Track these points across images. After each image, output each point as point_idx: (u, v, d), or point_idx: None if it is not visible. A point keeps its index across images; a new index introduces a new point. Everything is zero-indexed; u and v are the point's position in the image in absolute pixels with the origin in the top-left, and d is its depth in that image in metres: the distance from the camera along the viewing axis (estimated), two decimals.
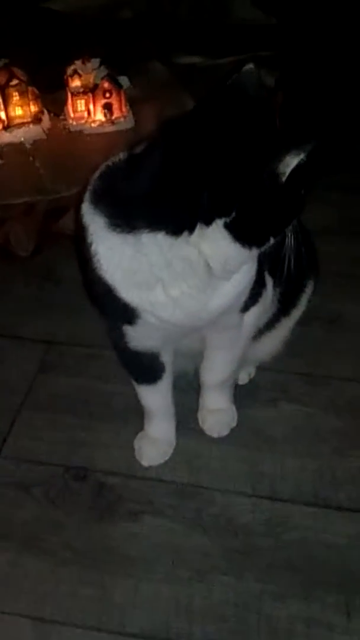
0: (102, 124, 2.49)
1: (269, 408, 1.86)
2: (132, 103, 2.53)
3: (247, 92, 1.33)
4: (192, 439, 1.79)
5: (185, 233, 1.29)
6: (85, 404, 1.87)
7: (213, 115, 1.31)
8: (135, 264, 1.34)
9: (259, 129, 1.29)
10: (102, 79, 2.43)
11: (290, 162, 1.24)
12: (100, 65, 2.50)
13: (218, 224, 1.28)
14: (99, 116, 2.48)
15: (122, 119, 2.50)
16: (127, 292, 1.39)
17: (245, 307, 1.55)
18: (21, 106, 2.45)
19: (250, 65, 1.34)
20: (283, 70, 2.64)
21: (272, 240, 1.35)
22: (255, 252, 1.34)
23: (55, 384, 1.93)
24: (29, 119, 2.47)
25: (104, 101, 2.46)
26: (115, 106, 2.47)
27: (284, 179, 1.25)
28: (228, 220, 1.27)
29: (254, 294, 1.54)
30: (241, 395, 1.85)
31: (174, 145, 1.30)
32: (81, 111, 2.49)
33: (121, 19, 3.08)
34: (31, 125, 2.48)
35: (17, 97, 2.43)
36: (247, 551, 1.59)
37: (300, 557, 1.57)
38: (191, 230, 1.28)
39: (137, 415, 1.76)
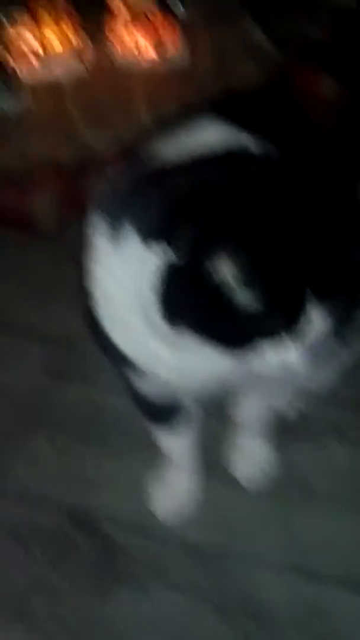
0: (150, 59, 2.11)
1: (316, 451, 1.53)
2: (188, 32, 2.14)
3: None
4: (218, 485, 1.49)
5: (149, 240, 0.95)
6: (100, 426, 1.59)
7: None
8: (118, 287, 1.02)
9: None
10: (152, 7, 2.04)
11: (222, 265, 0.89)
12: None
13: (164, 253, 0.94)
14: (147, 50, 2.10)
15: (174, 53, 2.12)
16: (117, 337, 1.08)
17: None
18: (58, 36, 2.09)
19: None
20: None
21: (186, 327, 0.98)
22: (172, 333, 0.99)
23: (67, 396, 1.65)
24: (68, 52, 2.11)
25: (153, 33, 2.07)
26: (166, 38, 2.09)
27: (210, 270, 0.90)
28: (173, 254, 0.93)
29: None
30: (284, 430, 1.53)
31: None
32: (127, 43, 2.12)
33: None
34: (70, 59, 2.12)
35: (54, 27, 2.07)
36: None
37: None
38: (153, 242, 0.95)
39: (158, 448, 1.47)
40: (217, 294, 0.90)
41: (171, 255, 0.92)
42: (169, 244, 0.92)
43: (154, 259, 0.94)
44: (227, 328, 0.94)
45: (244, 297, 0.89)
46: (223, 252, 0.88)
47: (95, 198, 1.10)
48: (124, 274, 1.00)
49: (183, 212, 0.92)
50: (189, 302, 0.94)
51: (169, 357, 1.02)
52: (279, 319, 0.93)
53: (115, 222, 1.00)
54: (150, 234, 0.95)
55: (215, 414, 1.52)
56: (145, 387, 1.25)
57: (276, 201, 0.92)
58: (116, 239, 1.00)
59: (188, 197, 0.93)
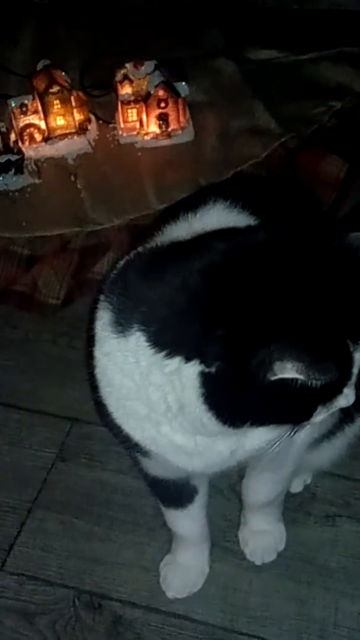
0: (156, 137, 2.16)
1: (325, 527, 1.53)
2: (193, 110, 2.19)
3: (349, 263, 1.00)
4: (230, 564, 1.48)
5: (165, 351, 0.94)
6: (107, 506, 1.58)
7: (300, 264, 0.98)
8: (126, 380, 1.01)
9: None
10: (157, 86, 2.10)
11: (284, 369, 0.90)
12: (154, 70, 2.16)
13: (194, 367, 0.93)
14: (153, 128, 2.15)
15: (179, 131, 2.17)
16: (123, 421, 1.08)
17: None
18: (63, 115, 2.14)
19: None
20: None
21: (250, 425, 0.98)
22: (231, 430, 0.98)
23: (75, 476, 1.63)
24: (73, 130, 2.16)
25: (158, 111, 2.12)
26: (171, 117, 2.14)
27: (271, 378, 0.91)
28: (205, 369, 0.93)
29: None
30: (293, 507, 1.53)
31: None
32: (132, 122, 2.17)
33: (188, 1, 2.70)
34: (75, 137, 2.17)
35: (59, 106, 2.12)
36: None
37: None
38: (171, 353, 0.94)
39: (167, 525, 1.46)
40: (275, 387, 0.91)
41: (200, 364, 0.92)
42: (197, 354, 0.92)
43: (187, 371, 0.93)
44: (293, 409, 0.97)
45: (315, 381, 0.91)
46: (279, 353, 0.89)
47: (100, 283, 1.10)
48: (131, 368, 0.99)
49: (203, 315, 0.93)
50: (245, 402, 0.94)
51: (184, 442, 1.02)
52: (339, 378, 0.95)
53: (121, 317, 0.99)
54: (165, 344, 0.94)
55: (225, 491, 1.53)
56: (153, 467, 1.25)
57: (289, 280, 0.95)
58: (122, 334, 0.99)
59: (203, 297, 0.94)
